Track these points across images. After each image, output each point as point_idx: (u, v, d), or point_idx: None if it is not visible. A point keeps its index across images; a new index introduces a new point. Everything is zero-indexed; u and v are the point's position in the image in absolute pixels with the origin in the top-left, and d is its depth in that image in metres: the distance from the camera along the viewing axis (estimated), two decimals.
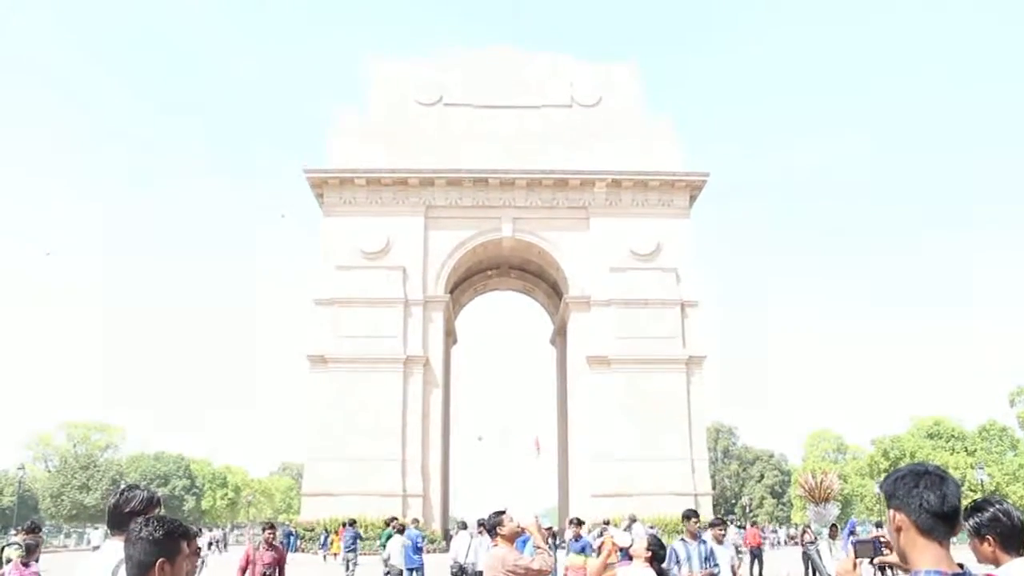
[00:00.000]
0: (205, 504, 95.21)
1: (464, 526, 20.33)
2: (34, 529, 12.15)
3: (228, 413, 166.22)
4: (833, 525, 20.76)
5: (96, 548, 4.46)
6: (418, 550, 19.95)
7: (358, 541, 25.69)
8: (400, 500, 40.21)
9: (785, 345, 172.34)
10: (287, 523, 44.44)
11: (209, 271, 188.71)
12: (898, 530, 2.64)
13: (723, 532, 11.21)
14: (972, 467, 58.39)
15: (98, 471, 78.77)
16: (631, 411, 42.18)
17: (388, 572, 19.91)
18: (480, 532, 18.21)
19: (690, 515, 10.43)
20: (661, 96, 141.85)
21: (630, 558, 7.05)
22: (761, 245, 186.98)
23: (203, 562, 27.42)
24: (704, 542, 10.27)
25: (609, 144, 46.24)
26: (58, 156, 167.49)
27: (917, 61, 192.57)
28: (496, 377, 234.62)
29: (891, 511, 2.68)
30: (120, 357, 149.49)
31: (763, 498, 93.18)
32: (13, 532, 27.41)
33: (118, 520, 4.08)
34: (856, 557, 2.91)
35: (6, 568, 10.93)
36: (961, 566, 2.55)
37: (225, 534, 65.77)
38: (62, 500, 76.66)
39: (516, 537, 6.71)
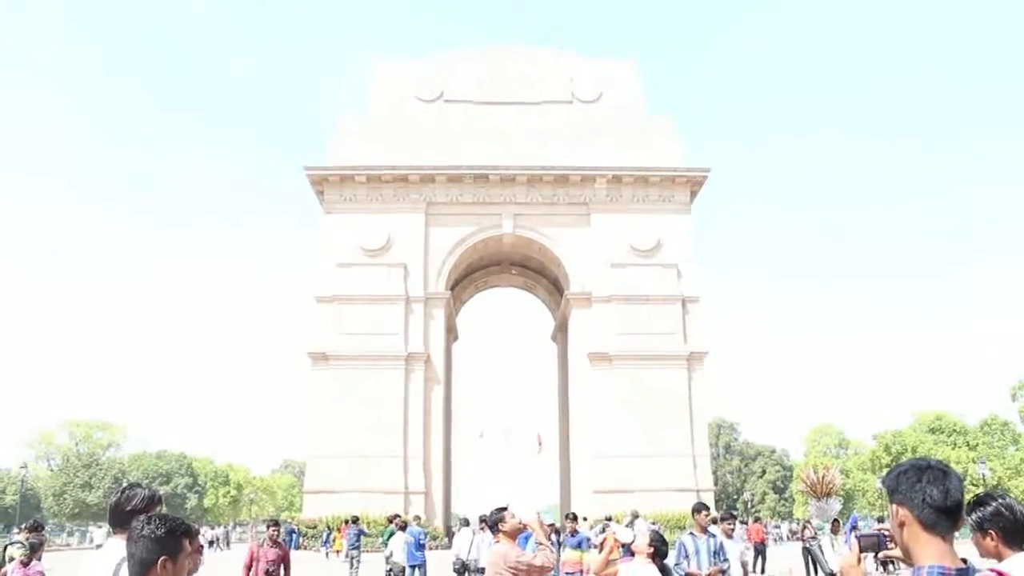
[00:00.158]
0: (207, 502, 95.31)
1: (466, 523, 20.35)
2: (36, 528, 12.15)
3: (230, 411, 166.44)
4: (835, 520, 20.83)
5: (99, 547, 4.44)
6: (420, 547, 19.97)
7: (361, 538, 25.71)
8: (402, 497, 40.23)
9: (786, 341, 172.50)
10: (289, 521, 44.43)
11: (211, 269, 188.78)
12: (901, 525, 2.63)
13: (732, 527, 11.04)
14: (974, 462, 58.35)
15: (100, 470, 78.82)
16: (633, 407, 42.19)
17: (391, 569, 19.92)
18: (482, 529, 18.23)
19: (700, 508, 10.26)
20: (662, 93, 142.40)
21: (632, 554, 7.04)
22: (763, 241, 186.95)
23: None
24: (713, 536, 10.09)
25: (610, 140, 46.21)
26: (58, 155, 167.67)
27: (918, 61, 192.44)
28: (497, 374, 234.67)
29: (894, 506, 2.67)
30: (122, 355, 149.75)
31: (765, 494, 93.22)
32: (16, 531, 27.44)
33: (120, 518, 4.09)
34: (861, 551, 2.90)
35: (8, 567, 10.93)
36: (964, 561, 2.55)
37: (227, 532, 65.89)
38: (64, 499, 76.72)
39: (518, 533, 6.71)
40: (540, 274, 53.42)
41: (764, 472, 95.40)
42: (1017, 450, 68.07)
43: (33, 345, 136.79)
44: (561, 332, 51.54)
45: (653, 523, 30.11)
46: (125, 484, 4.39)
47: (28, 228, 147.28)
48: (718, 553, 9.81)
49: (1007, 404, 71.24)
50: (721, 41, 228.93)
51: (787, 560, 27.16)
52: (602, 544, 7.29)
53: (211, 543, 53.19)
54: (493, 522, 6.79)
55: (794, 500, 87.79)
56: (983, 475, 51.65)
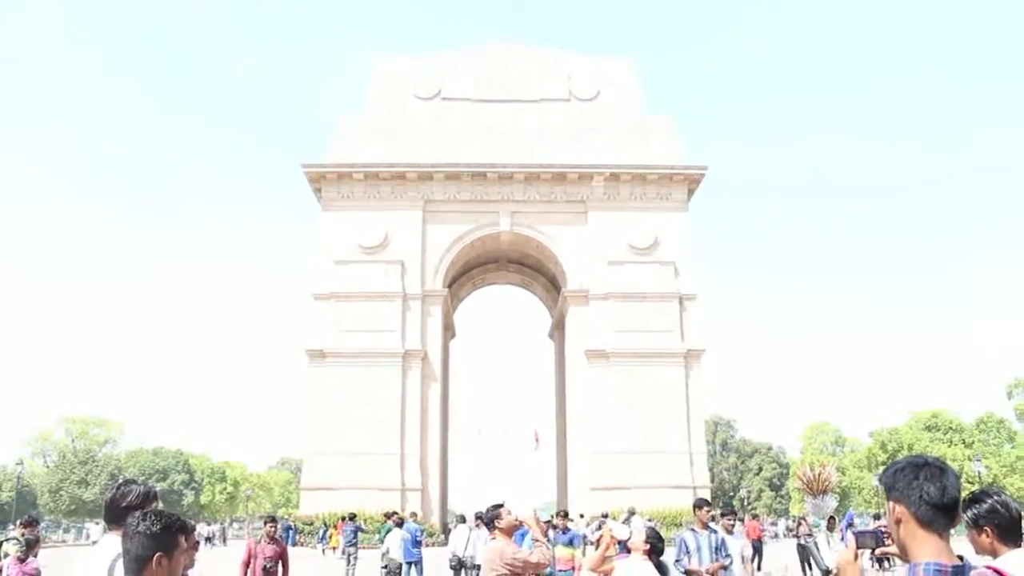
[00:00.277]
0: (204, 498, 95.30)
1: (463, 520, 20.35)
2: (31, 523, 12.12)
3: (227, 408, 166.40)
4: (831, 517, 20.85)
5: (95, 543, 4.45)
6: (417, 544, 19.97)
7: (359, 535, 25.71)
8: (399, 494, 40.23)
9: (783, 338, 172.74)
10: (286, 517, 44.44)
11: (209, 267, 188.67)
12: (898, 522, 2.63)
13: (733, 523, 10.81)
14: (970, 459, 58.50)
15: (97, 466, 78.73)
16: (630, 404, 42.19)
17: (386, 566, 19.91)
18: (477, 526, 18.23)
19: (701, 504, 10.08)
20: (661, 93, 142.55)
21: (628, 551, 7.04)
22: (760, 240, 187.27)
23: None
24: (715, 532, 9.94)
25: (608, 138, 46.19)
26: (57, 153, 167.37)
27: (917, 60, 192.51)
28: (495, 371, 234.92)
29: (891, 503, 2.67)
30: (119, 352, 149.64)
31: (761, 491, 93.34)
32: (12, 527, 27.40)
33: (115, 515, 4.08)
34: (858, 548, 2.90)
35: (4, 562, 10.91)
36: (960, 558, 2.55)
37: (224, 528, 65.84)
38: (61, 495, 76.64)
39: (514, 530, 6.71)
40: (538, 272, 53.40)
41: (760, 469, 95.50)
42: (1013, 448, 68.28)
43: (30, 342, 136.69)
44: (558, 330, 51.54)
45: (649, 520, 30.15)
46: (121, 480, 4.37)
47: (26, 226, 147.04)
48: (720, 549, 9.68)
49: (1003, 402, 71.57)
50: (720, 41, 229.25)
51: (783, 557, 27.17)
52: (599, 541, 7.29)
53: (208, 540, 53.17)
54: (489, 519, 6.79)
55: (790, 497, 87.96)
56: (979, 473, 51.73)
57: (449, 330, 51.66)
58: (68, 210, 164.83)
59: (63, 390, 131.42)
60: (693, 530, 9.86)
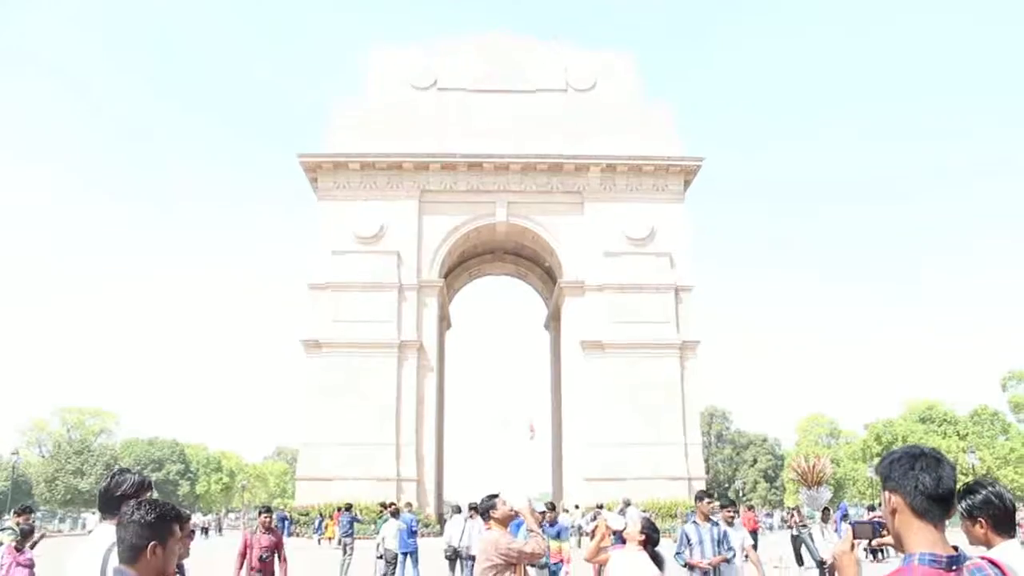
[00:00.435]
0: (199, 489, 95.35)
1: (458, 510, 20.39)
2: (25, 511, 12.10)
3: (223, 398, 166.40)
4: (825, 508, 20.90)
5: (91, 532, 4.44)
6: (412, 534, 19.99)
7: (355, 525, 25.75)
8: (395, 484, 40.27)
9: (779, 330, 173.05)
10: (282, 508, 44.44)
11: (205, 257, 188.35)
12: (893, 512, 2.63)
13: (733, 514, 10.64)
14: (964, 451, 58.69)
15: (92, 456, 78.70)
16: (625, 396, 42.23)
17: (382, 555, 19.95)
18: (471, 516, 18.26)
19: (702, 496, 9.90)
20: (659, 88, 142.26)
21: (624, 541, 7.05)
22: (757, 233, 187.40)
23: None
24: (716, 524, 9.77)
25: (604, 129, 46.11)
26: (53, 143, 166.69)
27: (916, 59, 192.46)
28: (491, 362, 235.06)
29: (886, 493, 2.67)
30: (115, 343, 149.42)
31: (756, 482, 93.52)
32: (7, 517, 27.37)
33: (110, 504, 4.07)
34: (855, 538, 2.90)
35: None
36: (955, 548, 2.55)
37: (219, 519, 65.96)
38: (56, 485, 76.62)
39: (509, 521, 6.71)
40: (534, 262, 53.38)
41: (756, 461, 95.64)
42: (1007, 439, 68.55)
43: (26, 332, 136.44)
44: (554, 321, 51.56)
45: (644, 511, 30.23)
46: (115, 470, 4.37)
47: (22, 218, 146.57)
48: (722, 542, 9.53)
49: (997, 394, 71.83)
50: (719, 38, 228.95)
51: (777, 548, 27.24)
52: (594, 531, 7.30)
53: (204, 530, 53.25)
54: (484, 509, 6.79)
55: (785, 489, 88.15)
56: (972, 464, 51.95)
57: (445, 321, 51.66)
58: (64, 202, 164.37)
59: (59, 380, 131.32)
60: (695, 523, 9.71)
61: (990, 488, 3.76)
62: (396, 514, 20.59)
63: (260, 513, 13.11)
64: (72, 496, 76.48)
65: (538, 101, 47.32)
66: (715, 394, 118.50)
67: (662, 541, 7.14)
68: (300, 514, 40.90)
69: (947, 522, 2.65)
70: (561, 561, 16.68)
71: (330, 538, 35.43)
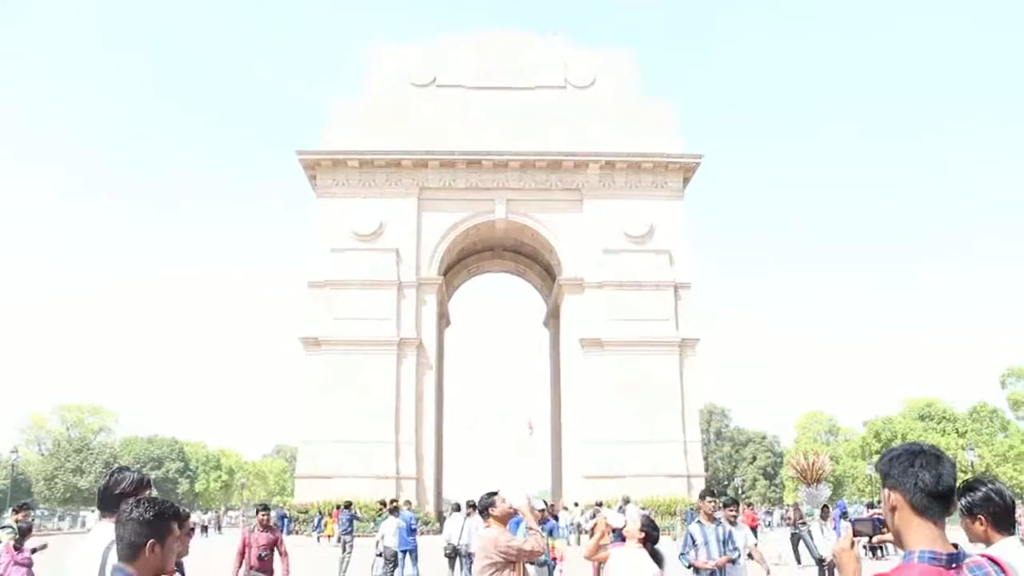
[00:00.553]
0: (199, 487, 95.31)
1: (458, 508, 20.36)
2: (23, 508, 12.11)
3: (222, 396, 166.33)
4: (824, 506, 20.91)
5: (89, 531, 4.44)
6: (412, 532, 19.99)
7: (354, 523, 25.75)
8: (394, 482, 40.25)
9: (778, 327, 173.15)
10: (281, 506, 44.46)
11: (204, 255, 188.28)
12: (893, 509, 2.62)
13: (736, 513, 10.48)
14: (963, 448, 58.73)
15: (91, 454, 78.68)
16: (624, 393, 42.21)
17: (381, 553, 19.95)
18: (469, 514, 18.26)
19: (705, 495, 9.78)
20: (658, 86, 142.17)
21: (623, 539, 7.04)
22: (756, 231, 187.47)
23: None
24: (720, 523, 9.61)
25: (603, 126, 46.08)
26: (52, 142, 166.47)
27: (915, 56, 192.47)
28: (490, 359, 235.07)
29: (886, 490, 2.66)
30: (114, 341, 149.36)
31: (755, 480, 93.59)
32: (6, 515, 27.37)
33: (109, 502, 4.07)
34: (855, 535, 2.90)
35: None
36: (955, 546, 2.54)
37: (219, 517, 65.97)
38: (55, 483, 76.61)
39: (508, 518, 6.70)
40: (532, 260, 53.36)
41: (755, 458, 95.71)
42: (1005, 437, 68.60)
43: (25, 330, 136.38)
44: (553, 318, 51.54)
45: (643, 509, 30.25)
46: (115, 468, 4.37)
47: (20, 217, 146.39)
48: (727, 541, 9.40)
49: (996, 391, 71.84)
50: (718, 36, 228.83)
51: (776, 546, 27.27)
52: (593, 529, 7.29)
53: (203, 528, 53.26)
54: (483, 507, 6.78)
55: (784, 486, 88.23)
56: (971, 462, 51.94)
57: (444, 318, 51.65)
58: (64, 202, 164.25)
59: (58, 378, 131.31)
60: (699, 523, 9.59)
61: (990, 485, 3.76)
62: (395, 512, 20.58)
63: (257, 511, 13.11)
64: (71, 494, 76.47)
65: (537, 98, 47.28)
66: (714, 391, 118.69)
67: (661, 539, 7.13)
68: (300, 512, 40.89)
69: (947, 519, 2.64)
70: (553, 559, 16.68)
71: (329, 536, 35.43)
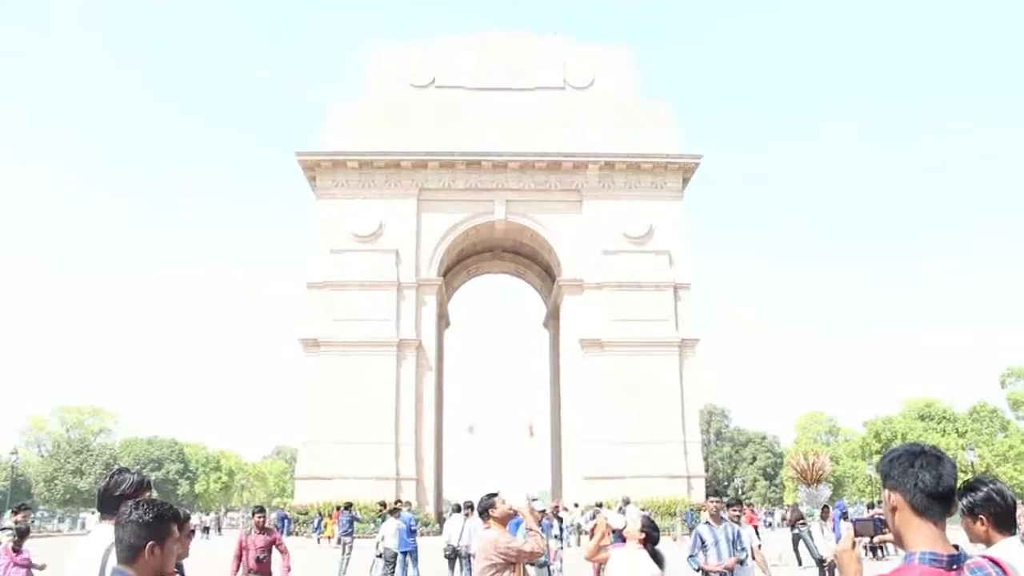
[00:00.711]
0: (199, 488, 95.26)
1: (458, 509, 20.36)
2: (22, 509, 12.09)
3: (222, 397, 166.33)
4: (824, 506, 20.91)
5: (89, 532, 4.43)
6: (412, 533, 19.98)
7: (354, 524, 25.75)
8: (394, 483, 40.24)
9: (778, 328, 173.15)
10: (281, 507, 44.44)
11: (204, 256, 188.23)
12: (893, 510, 2.62)
13: (740, 513, 10.53)
14: (963, 448, 58.71)
15: (91, 455, 78.66)
16: (624, 394, 42.19)
17: (381, 554, 19.94)
18: (467, 515, 18.26)
19: (710, 495, 9.86)
20: (658, 86, 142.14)
21: (624, 540, 7.04)
22: (756, 231, 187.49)
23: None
24: (727, 523, 9.61)
25: (602, 127, 46.07)
26: (52, 143, 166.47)
27: (914, 55, 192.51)
28: (489, 360, 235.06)
29: (886, 491, 2.66)
30: (114, 342, 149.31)
31: (755, 480, 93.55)
32: (5, 517, 27.35)
33: (109, 503, 4.06)
34: (856, 535, 2.90)
35: None
36: (956, 547, 2.54)
37: (219, 518, 65.92)
38: (55, 485, 76.59)
39: (508, 520, 6.70)
40: (532, 260, 53.34)
41: (755, 459, 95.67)
42: (1005, 437, 68.58)
43: (26, 331, 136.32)
44: (553, 319, 51.52)
45: (643, 509, 30.24)
46: (115, 469, 4.36)
47: (20, 217, 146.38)
48: (736, 541, 9.37)
49: (996, 391, 71.83)
50: (718, 36, 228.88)
51: (776, 547, 27.24)
52: (593, 530, 7.29)
53: (204, 530, 53.23)
54: (483, 508, 6.78)
55: (784, 486, 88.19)
56: (971, 462, 51.93)
57: (444, 319, 51.62)
58: (64, 202, 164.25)
59: (58, 379, 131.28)
60: (708, 523, 9.55)
61: (991, 485, 3.75)
62: (395, 513, 20.57)
63: (253, 514, 13.07)
64: (71, 496, 76.44)
65: (537, 99, 47.26)
66: (714, 392, 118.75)
67: (662, 539, 7.12)
68: (299, 513, 40.88)
69: (947, 520, 2.64)
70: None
71: (329, 537, 35.42)
